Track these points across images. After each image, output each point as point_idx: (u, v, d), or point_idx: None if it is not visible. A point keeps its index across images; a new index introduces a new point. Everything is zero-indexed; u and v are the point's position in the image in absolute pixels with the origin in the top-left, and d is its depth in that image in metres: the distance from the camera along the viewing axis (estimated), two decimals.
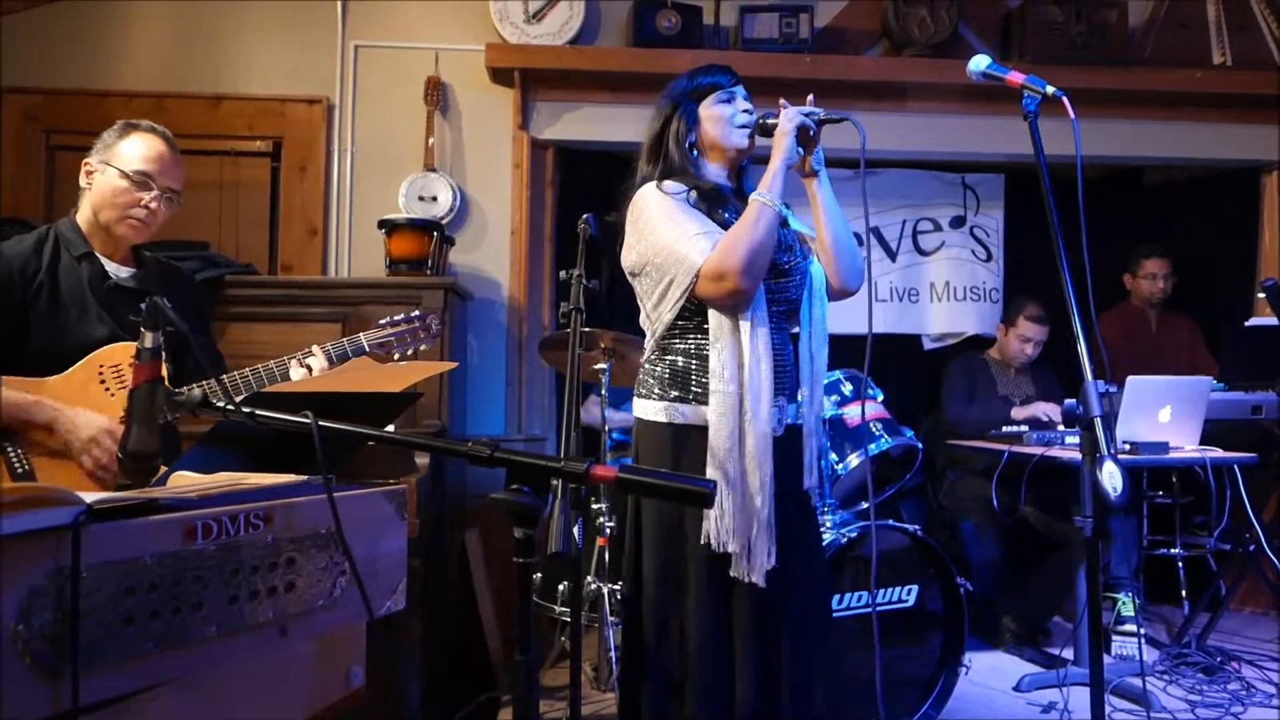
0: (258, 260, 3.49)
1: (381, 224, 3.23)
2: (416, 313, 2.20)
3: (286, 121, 3.61)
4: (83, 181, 2.00)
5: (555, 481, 1.49)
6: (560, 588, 2.80)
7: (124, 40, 3.56)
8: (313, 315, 3.01)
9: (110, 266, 2.00)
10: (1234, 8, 3.96)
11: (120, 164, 1.96)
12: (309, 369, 1.99)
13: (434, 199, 3.58)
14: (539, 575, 2.86)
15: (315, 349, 2.02)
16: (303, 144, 3.62)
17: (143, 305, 1.08)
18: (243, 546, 0.99)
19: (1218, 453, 3.01)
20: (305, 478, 1.17)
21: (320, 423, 0.99)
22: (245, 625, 0.99)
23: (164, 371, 1.17)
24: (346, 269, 3.62)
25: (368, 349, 2.10)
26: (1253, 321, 3.52)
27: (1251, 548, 3.28)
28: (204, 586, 0.94)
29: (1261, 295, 3.27)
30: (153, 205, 1.96)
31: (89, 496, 0.88)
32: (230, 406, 1.05)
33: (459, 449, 1.01)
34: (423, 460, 2.57)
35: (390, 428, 2.20)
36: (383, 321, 2.16)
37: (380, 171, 3.62)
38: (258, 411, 1.04)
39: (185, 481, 1.17)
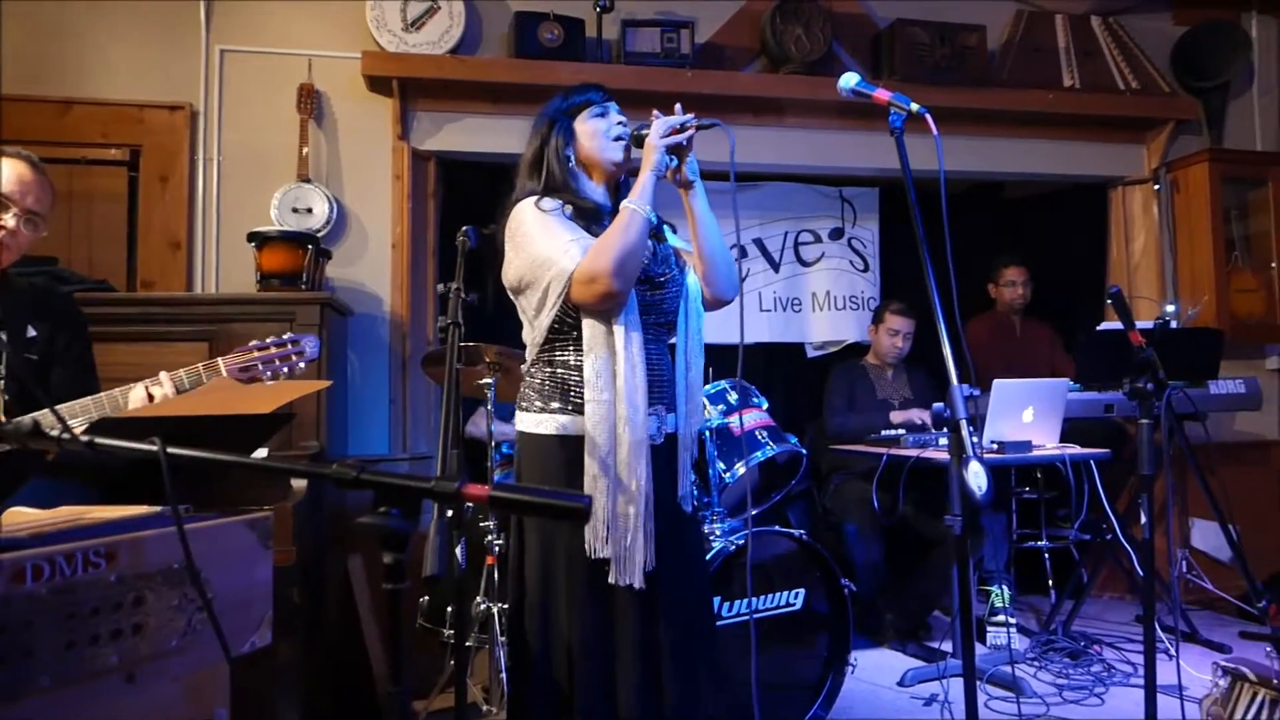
0: (114, 276, 3.27)
1: (251, 237, 3.09)
2: (289, 335, 2.06)
3: (145, 129, 3.40)
4: None
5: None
6: (448, 610, 2.72)
7: None
8: (177, 334, 2.84)
9: None
10: (1081, 35, 4.26)
11: None
12: (151, 399, 1.85)
13: (309, 211, 3.44)
14: (425, 599, 2.77)
15: (163, 376, 1.87)
16: (164, 152, 3.42)
17: None
18: (80, 587, 0.91)
19: (1076, 449, 3.20)
20: (159, 509, 1.09)
21: (168, 450, 0.92)
22: (85, 673, 0.91)
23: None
24: (214, 285, 3.44)
25: (226, 376, 1.94)
26: (1104, 326, 3.76)
27: (1109, 536, 3.50)
28: (34, 633, 0.86)
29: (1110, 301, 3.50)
30: (10, 225, 1.89)
31: None
32: (66, 435, 0.96)
33: (323, 472, 0.96)
34: (300, 484, 2.45)
35: (263, 451, 2.08)
36: (251, 345, 2.02)
37: (250, 182, 3.46)
38: (97, 439, 0.96)
39: (20, 519, 1.07)
